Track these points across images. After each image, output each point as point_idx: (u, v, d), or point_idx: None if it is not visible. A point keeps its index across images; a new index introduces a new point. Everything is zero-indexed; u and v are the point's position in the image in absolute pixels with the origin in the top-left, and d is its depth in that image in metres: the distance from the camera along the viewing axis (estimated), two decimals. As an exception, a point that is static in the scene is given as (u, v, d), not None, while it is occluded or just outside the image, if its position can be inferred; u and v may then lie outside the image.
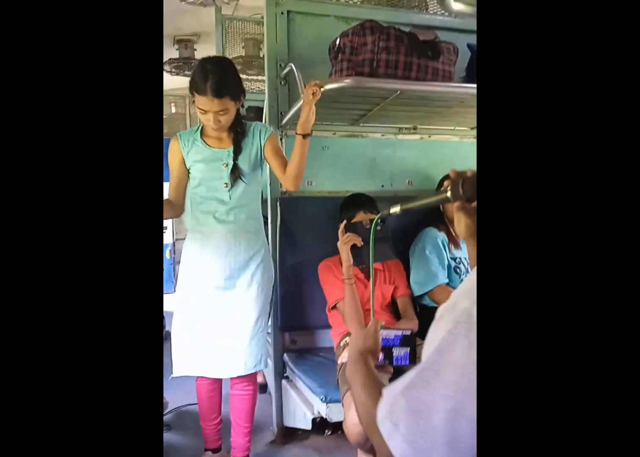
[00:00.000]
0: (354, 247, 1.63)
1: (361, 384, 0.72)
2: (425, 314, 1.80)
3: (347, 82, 1.41)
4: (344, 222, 1.67)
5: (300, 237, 1.93)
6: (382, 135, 2.08)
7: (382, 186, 2.11)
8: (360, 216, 1.67)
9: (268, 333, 1.75)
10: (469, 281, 0.57)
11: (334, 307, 1.72)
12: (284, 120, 1.84)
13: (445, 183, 0.79)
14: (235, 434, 1.63)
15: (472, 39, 1.83)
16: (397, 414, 0.56)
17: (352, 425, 1.32)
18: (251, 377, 1.61)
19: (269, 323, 1.75)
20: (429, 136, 2.14)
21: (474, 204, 0.80)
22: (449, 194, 0.77)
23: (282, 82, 1.87)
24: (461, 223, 0.83)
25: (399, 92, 1.45)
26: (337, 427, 1.75)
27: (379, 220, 1.65)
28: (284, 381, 1.89)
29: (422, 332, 1.70)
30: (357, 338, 0.85)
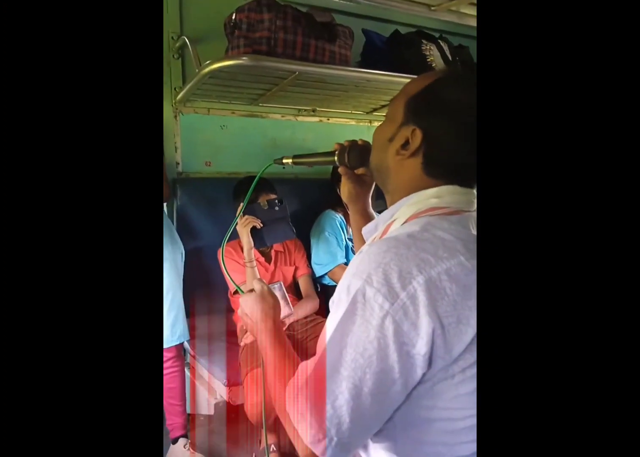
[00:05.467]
0: (253, 230, 1.61)
1: (274, 354, 0.68)
2: (326, 293, 1.86)
3: (244, 59, 1.36)
4: (241, 205, 1.63)
5: (199, 220, 1.86)
6: (282, 116, 2.07)
7: (284, 168, 2.09)
8: (258, 198, 1.66)
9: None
10: (358, 260, 0.56)
11: (236, 291, 1.70)
12: (178, 97, 1.74)
13: (335, 146, 0.83)
14: (170, 415, 1.62)
15: (367, 25, 1.88)
16: (302, 405, 0.55)
17: (252, 405, 1.33)
18: (178, 351, 1.62)
19: None
20: (328, 119, 2.18)
21: (359, 171, 0.86)
22: (336, 157, 0.82)
23: (175, 56, 1.76)
24: (345, 187, 0.89)
25: (297, 73, 1.44)
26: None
27: (277, 201, 1.66)
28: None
29: (323, 310, 1.77)
30: (252, 301, 0.78)
